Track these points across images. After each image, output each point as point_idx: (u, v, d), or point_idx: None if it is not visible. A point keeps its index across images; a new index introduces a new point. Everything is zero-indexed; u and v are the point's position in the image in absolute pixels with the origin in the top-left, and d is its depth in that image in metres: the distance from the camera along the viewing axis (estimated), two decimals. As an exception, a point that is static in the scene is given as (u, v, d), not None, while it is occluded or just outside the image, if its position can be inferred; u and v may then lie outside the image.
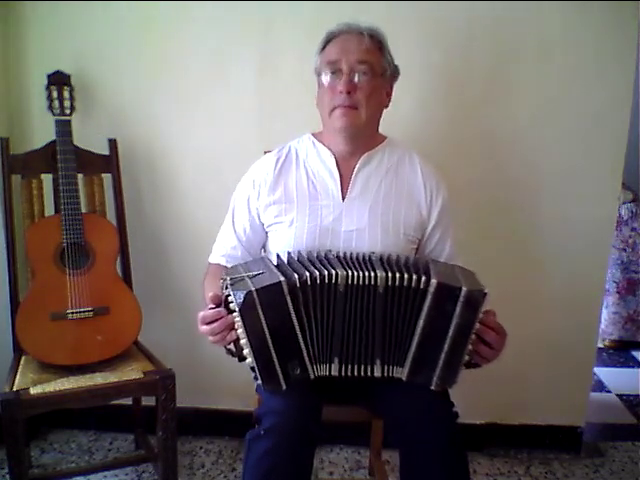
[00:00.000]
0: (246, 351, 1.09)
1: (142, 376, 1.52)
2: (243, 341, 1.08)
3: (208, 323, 1.13)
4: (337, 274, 1.11)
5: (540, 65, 1.71)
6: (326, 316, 1.13)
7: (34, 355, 1.58)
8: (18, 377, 1.51)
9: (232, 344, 1.13)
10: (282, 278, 1.08)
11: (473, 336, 1.11)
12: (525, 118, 1.75)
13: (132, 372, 1.55)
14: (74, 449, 1.94)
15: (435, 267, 1.16)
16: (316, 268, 1.12)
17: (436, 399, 1.16)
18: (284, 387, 1.11)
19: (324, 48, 1.34)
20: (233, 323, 1.10)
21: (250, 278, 1.09)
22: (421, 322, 1.11)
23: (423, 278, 1.11)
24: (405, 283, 1.12)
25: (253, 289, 1.05)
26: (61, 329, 1.58)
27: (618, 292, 2.85)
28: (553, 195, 1.80)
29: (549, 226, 1.82)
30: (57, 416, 1.85)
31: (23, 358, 1.61)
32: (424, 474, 1.14)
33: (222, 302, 1.12)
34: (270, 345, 1.08)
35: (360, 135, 1.33)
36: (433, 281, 1.10)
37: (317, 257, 1.19)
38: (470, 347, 1.12)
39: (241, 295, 1.06)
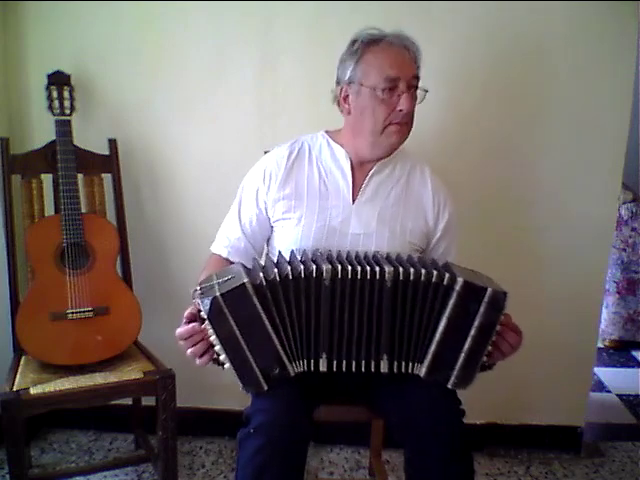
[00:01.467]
0: (222, 357, 1.08)
1: (142, 376, 1.53)
2: (217, 347, 1.08)
3: (185, 339, 1.11)
4: (320, 269, 1.09)
5: (540, 65, 1.71)
6: (306, 312, 1.11)
7: (34, 355, 1.59)
8: (18, 377, 1.51)
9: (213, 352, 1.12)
10: (246, 279, 1.06)
11: (493, 337, 1.11)
12: (525, 118, 1.75)
13: (132, 372, 1.55)
14: (74, 449, 1.94)
15: (455, 267, 1.15)
16: (292, 267, 1.10)
17: (445, 396, 1.16)
18: (265, 387, 1.10)
19: (362, 55, 1.27)
20: (206, 332, 1.08)
21: (219, 285, 1.08)
22: (444, 319, 1.11)
23: (447, 275, 1.10)
24: (422, 278, 1.10)
25: (218, 294, 1.05)
26: (61, 329, 1.58)
27: (618, 292, 2.84)
28: (553, 195, 1.80)
29: (549, 226, 1.82)
30: (57, 416, 1.85)
31: (23, 358, 1.62)
32: (429, 472, 1.14)
33: (197, 315, 1.11)
34: (244, 347, 1.07)
35: None
36: (459, 279, 1.09)
37: (302, 258, 1.16)
38: (489, 348, 1.11)
39: (207, 302, 1.05)
